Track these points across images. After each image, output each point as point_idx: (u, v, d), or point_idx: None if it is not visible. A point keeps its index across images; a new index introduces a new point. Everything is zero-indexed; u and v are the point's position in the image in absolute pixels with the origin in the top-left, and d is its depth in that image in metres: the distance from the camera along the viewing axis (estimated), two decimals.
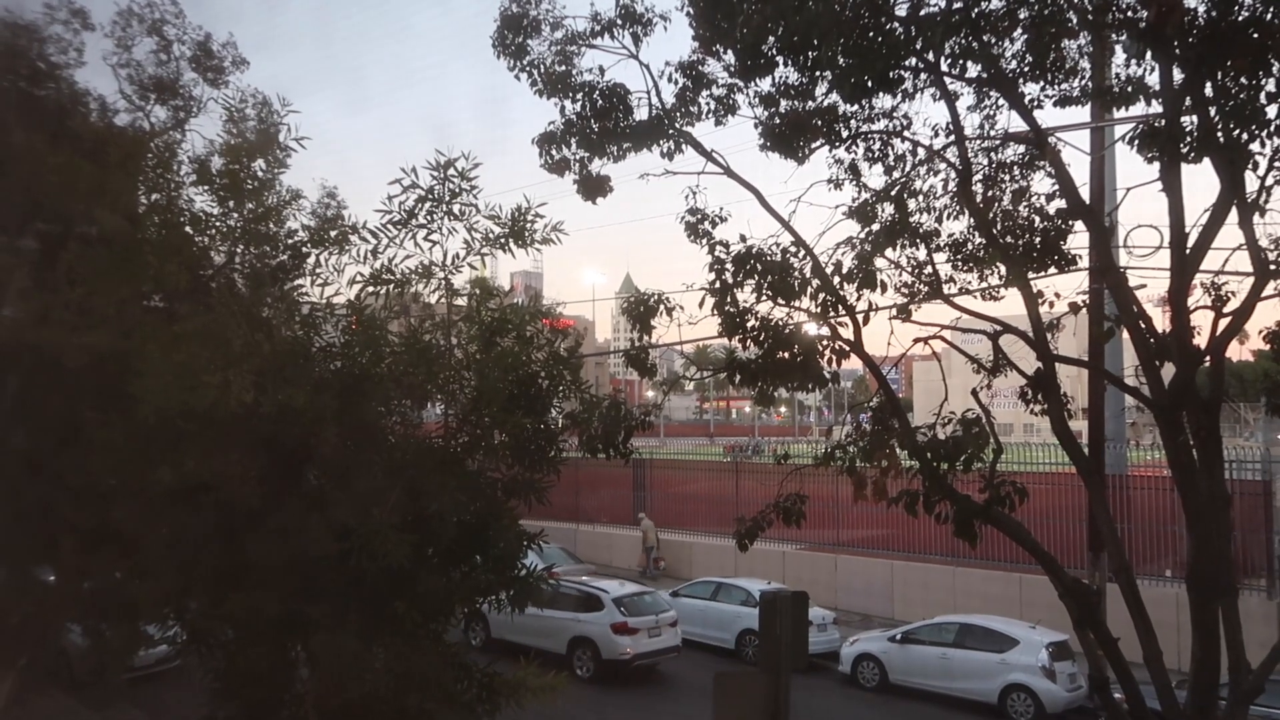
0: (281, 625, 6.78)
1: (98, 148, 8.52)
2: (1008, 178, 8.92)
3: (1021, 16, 7.33)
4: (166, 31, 13.45)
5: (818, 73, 7.88)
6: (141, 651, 10.11)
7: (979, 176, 8.81)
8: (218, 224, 8.10)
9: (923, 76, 8.15)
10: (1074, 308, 8.23)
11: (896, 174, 9.10)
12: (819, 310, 8.13)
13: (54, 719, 13.65)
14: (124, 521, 7.51)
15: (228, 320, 7.13)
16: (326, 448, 6.91)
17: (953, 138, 8.34)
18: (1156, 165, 7.37)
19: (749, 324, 8.00)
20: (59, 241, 9.42)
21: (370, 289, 7.28)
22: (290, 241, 8.38)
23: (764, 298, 8.05)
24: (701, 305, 8.08)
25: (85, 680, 14.40)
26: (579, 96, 8.64)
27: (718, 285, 8.01)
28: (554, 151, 8.82)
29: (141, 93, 13.57)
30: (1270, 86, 6.52)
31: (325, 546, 6.50)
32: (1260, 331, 8.24)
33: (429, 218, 7.21)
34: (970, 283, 9.06)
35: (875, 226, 8.66)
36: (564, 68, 8.67)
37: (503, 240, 7.29)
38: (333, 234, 7.82)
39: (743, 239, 8.14)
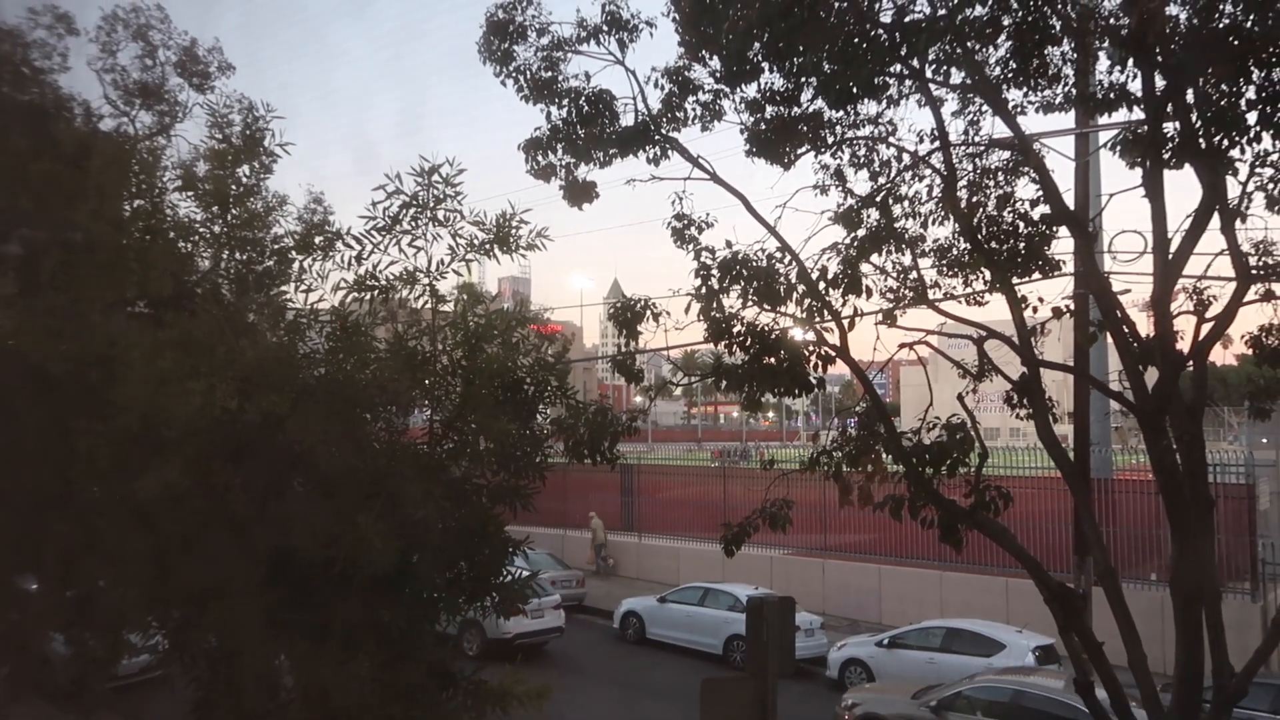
0: (266, 633, 6.73)
1: (81, 153, 8.47)
2: (992, 183, 8.96)
3: (1005, 23, 7.38)
4: (152, 36, 13.42)
5: (803, 79, 7.91)
6: (125, 660, 10.03)
7: (964, 182, 8.85)
8: (202, 230, 8.06)
9: (907, 83, 8.19)
10: (1057, 313, 8.27)
11: (882, 179, 9.14)
12: (805, 316, 8.14)
13: None
14: (107, 529, 7.45)
15: (212, 327, 7.09)
16: (311, 455, 6.88)
17: (937, 144, 8.38)
18: (1139, 171, 7.42)
19: (735, 329, 8.00)
20: (43, 248, 9.36)
21: (355, 295, 7.25)
22: (276, 247, 8.35)
23: (750, 303, 8.06)
24: (688, 310, 8.08)
25: (68, 689, 14.26)
26: (565, 102, 8.65)
27: (703, 291, 8.01)
28: (540, 157, 8.81)
29: (126, 98, 13.52)
30: (1250, 93, 6.58)
31: (310, 554, 6.46)
32: (1243, 336, 8.30)
33: (413, 223, 7.19)
34: (955, 288, 9.10)
35: (861, 232, 8.69)
36: (550, 74, 8.67)
37: (487, 246, 7.28)
38: (318, 240, 7.79)
39: (729, 244, 8.15)
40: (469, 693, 7.37)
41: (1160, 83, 7.03)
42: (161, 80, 13.55)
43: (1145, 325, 8.24)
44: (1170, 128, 7.13)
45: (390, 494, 6.70)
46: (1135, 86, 7.44)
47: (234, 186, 7.90)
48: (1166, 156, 7.09)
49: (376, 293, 7.30)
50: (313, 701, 7.01)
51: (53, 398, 8.23)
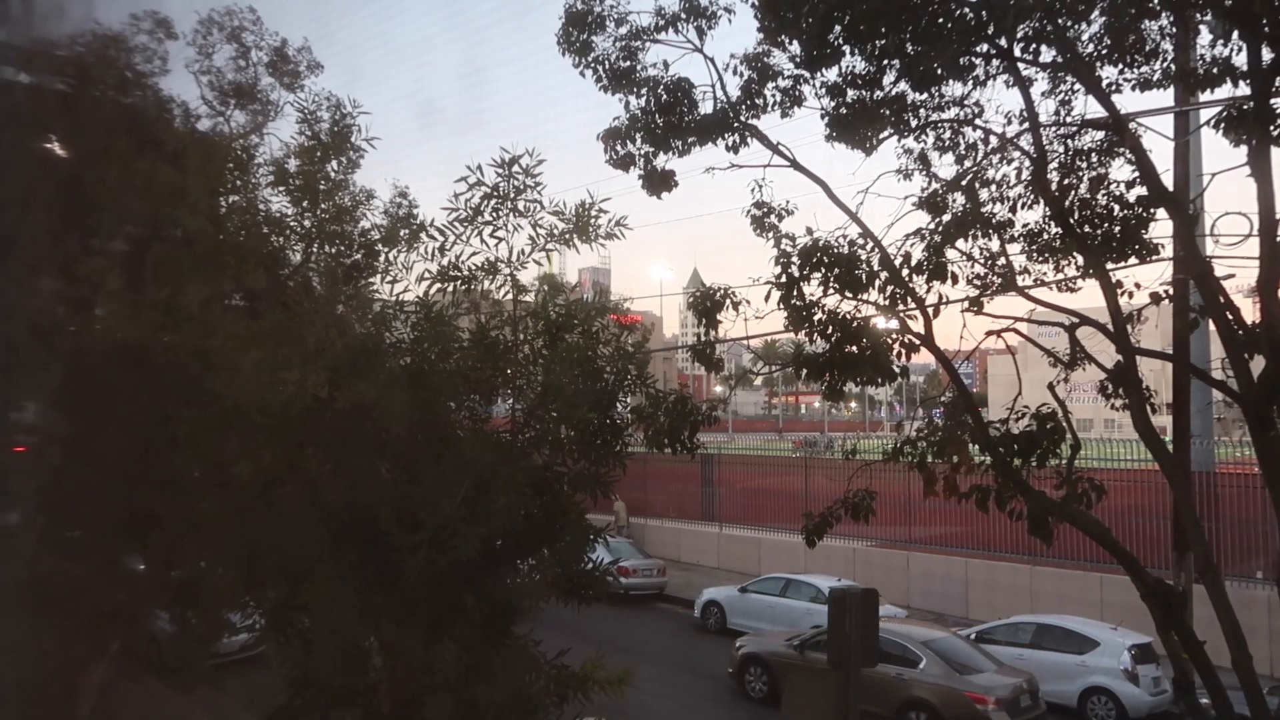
0: (354, 615, 6.94)
1: (180, 153, 8.82)
2: (1085, 165, 8.64)
3: None
4: (245, 38, 13.87)
5: (885, 61, 7.76)
6: (226, 638, 10.46)
7: (1054, 164, 8.56)
8: (294, 224, 8.33)
9: (994, 62, 7.96)
10: (1155, 298, 7.96)
11: (968, 163, 8.92)
12: (887, 303, 8.01)
13: (144, 702, 14.21)
14: (207, 513, 7.78)
15: (303, 318, 7.32)
16: (397, 442, 7.06)
17: (1026, 125, 8.13)
18: (1244, 149, 7.08)
19: (816, 317, 7.92)
20: (146, 244, 9.78)
21: (439, 286, 7.40)
22: (363, 240, 8.57)
23: (831, 291, 7.96)
24: (768, 299, 8.03)
25: (174, 666, 14.96)
26: (643, 92, 8.65)
27: (784, 279, 7.95)
28: (619, 147, 8.85)
29: (222, 98, 14.01)
30: None
31: (396, 539, 6.63)
32: None
33: (494, 215, 7.30)
34: (1046, 274, 8.83)
35: (946, 217, 8.50)
36: (628, 63, 8.69)
37: (567, 236, 7.35)
38: (403, 233, 7.97)
39: (809, 231, 8.06)
40: (551, 677, 7.47)
41: (1268, 55, 6.68)
42: (254, 80, 14.00)
43: (1250, 311, 7.86)
44: (1279, 103, 6.78)
45: (473, 481, 6.83)
46: (1240, 60, 7.09)
47: (323, 182, 8.13)
48: (1275, 133, 6.75)
49: (459, 283, 7.44)
50: (400, 681, 7.21)
51: (156, 386, 8.62)
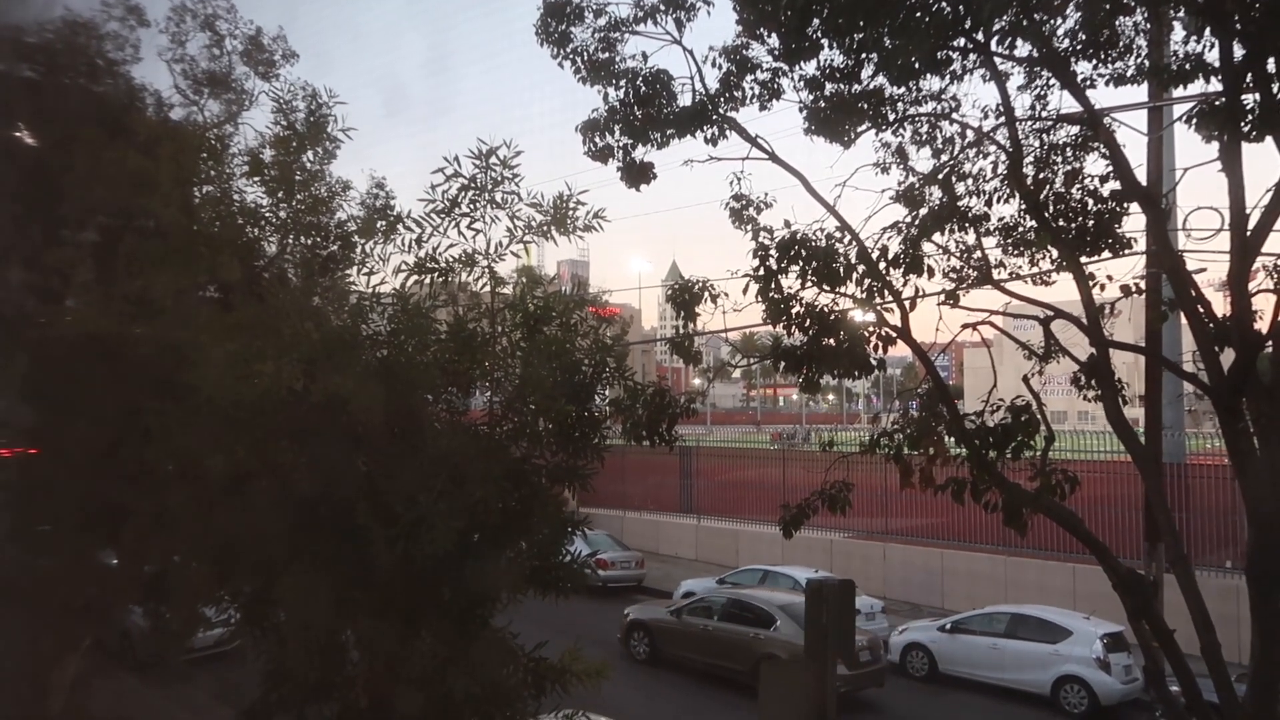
0: (331, 609, 6.90)
1: (153, 142, 8.70)
2: (1060, 159, 8.71)
3: None
4: (219, 26, 13.67)
5: (864, 55, 7.78)
6: (200, 633, 10.37)
7: (1030, 158, 8.62)
8: (269, 215, 8.24)
9: (972, 57, 8.00)
10: (1126, 290, 8.03)
11: (945, 157, 8.97)
12: (865, 296, 8.03)
13: (117, 699, 14.09)
14: (181, 507, 7.70)
15: (279, 310, 7.25)
16: (374, 435, 7.01)
17: (1003, 119, 8.17)
18: (1215, 145, 7.15)
19: (794, 310, 7.93)
20: (117, 234, 9.65)
21: (415, 278, 7.35)
22: (339, 232, 8.49)
23: (809, 284, 7.98)
24: (746, 292, 8.02)
25: (147, 661, 14.83)
26: (622, 83, 8.62)
27: (762, 271, 7.95)
28: (597, 139, 8.82)
29: (195, 87, 13.81)
30: None
31: (372, 532, 6.59)
32: None
33: (472, 206, 7.26)
34: (1021, 267, 8.90)
35: (923, 211, 8.53)
36: (607, 55, 8.65)
37: (545, 228, 7.31)
38: (380, 224, 7.91)
39: (787, 224, 8.06)
40: (529, 669, 7.47)
41: (1239, 52, 6.75)
42: (229, 69, 13.82)
43: (1221, 305, 7.96)
44: (1250, 99, 6.85)
45: (450, 474, 6.79)
46: (1212, 57, 7.15)
47: (299, 172, 8.05)
48: (1245, 129, 6.82)
49: (436, 275, 7.39)
50: (378, 675, 7.18)
51: (127, 379, 8.52)
